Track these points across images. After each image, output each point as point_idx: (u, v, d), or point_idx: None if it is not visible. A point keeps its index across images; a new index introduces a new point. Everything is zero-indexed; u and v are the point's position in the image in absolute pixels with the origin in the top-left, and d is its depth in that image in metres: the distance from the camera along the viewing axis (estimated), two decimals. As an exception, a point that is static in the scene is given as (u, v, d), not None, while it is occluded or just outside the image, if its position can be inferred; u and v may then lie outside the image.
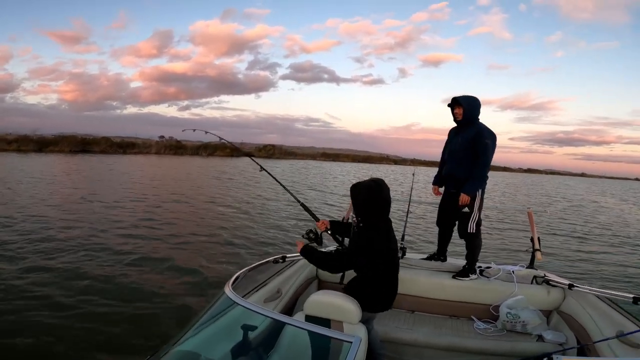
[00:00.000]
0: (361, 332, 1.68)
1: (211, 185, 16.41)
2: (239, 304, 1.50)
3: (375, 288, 2.01)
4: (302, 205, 2.61)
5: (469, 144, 2.78)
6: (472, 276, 2.81)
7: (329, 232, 2.32)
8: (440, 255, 3.14)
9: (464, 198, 2.75)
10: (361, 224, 1.97)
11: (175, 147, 40.31)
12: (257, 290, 2.30)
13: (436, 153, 3.39)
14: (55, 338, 3.33)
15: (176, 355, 1.55)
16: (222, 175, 21.58)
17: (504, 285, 2.72)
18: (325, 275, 2.97)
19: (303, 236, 2.31)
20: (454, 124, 2.98)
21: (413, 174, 4.90)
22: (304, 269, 2.84)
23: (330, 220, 2.36)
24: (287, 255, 2.62)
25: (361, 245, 1.95)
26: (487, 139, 2.76)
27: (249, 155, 3.89)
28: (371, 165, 51.27)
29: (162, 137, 42.88)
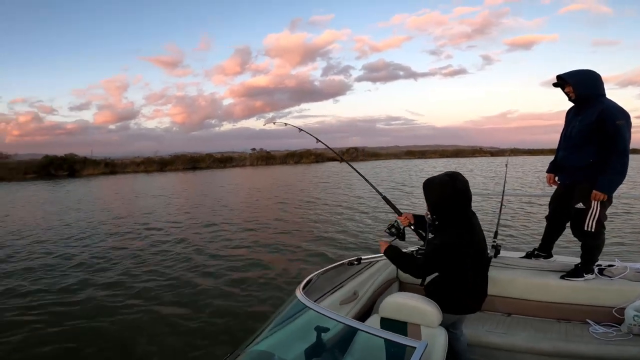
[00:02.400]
0: (440, 336, 1.57)
1: (316, 189, 17.41)
2: (310, 308, 1.52)
3: (459, 289, 1.85)
4: (384, 198, 2.53)
5: (590, 126, 2.35)
6: (588, 276, 2.42)
7: (412, 227, 2.21)
8: (543, 251, 2.76)
9: (597, 196, 2.32)
10: (436, 222, 1.84)
11: (266, 158, 43.70)
12: (333, 292, 2.30)
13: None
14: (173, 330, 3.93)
15: (251, 355, 1.61)
16: (317, 179, 22.64)
17: (632, 285, 2.34)
18: (406, 276, 2.85)
19: (385, 231, 2.23)
20: (561, 108, 2.65)
21: (506, 165, 4.44)
22: (382, 270, 2.76)
23: (413, 215, 2.24)
24: (363, 257, 2.57)
25: (437, 246, 1.81)
26: (618, 119, 2.27)
27: (338, 157, 4.00)
28: (463, 159, 47.46)
29: (253, 149, 46.97)
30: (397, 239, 2.21)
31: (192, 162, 38.30)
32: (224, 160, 41.33)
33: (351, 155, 47.80)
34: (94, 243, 7.82)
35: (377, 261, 2.74)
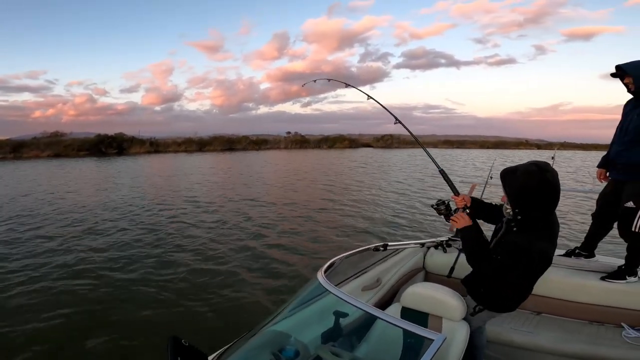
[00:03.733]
0: (462, 330, 1.54)
1: (356, 173, 17.49)
2: (330, 292, 1.49)
3: (512, 291, 1.68)
4: (442, 172, 2.22)
5: None
6: (630, 278, 2.29)
7: (468, 211, 1.85)
8: (585, 250, 2.62)
9: None
10: (519, 217, 1.59)
11: (300, 142, 44.08)
12: (356, 277, 2.30)
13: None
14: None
15: (268, 334, 1.62)
16: (354, 163, 22.77)
17: None
18: (433, 266, 2.80)
19: (432, 206, 1.97)
20: (621, 102, 2.46)
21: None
22: (409, 258, 2.73)
23: (473, 198, 1.91)
24: (389, 244, 2.51)
25: (520, 247, 1.55)
26: None
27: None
28: (505, 151, 44.96)
29: (288, 132, 47.40)
30: (443, 219, 1.98)
31: (229, 144, 39.53)
32: (259, 143, 42.22)
33: (386, 142, 46.84)
34: (156, 213, 8.50)
35: (404, 249, 2.70)
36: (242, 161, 26.03)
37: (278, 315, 1.69)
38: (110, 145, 30.90)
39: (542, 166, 1.55)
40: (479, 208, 1.88)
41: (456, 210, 1.88)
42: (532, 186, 1.53)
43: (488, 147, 51.27)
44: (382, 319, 1.34)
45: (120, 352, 3.24)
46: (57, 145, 28.51)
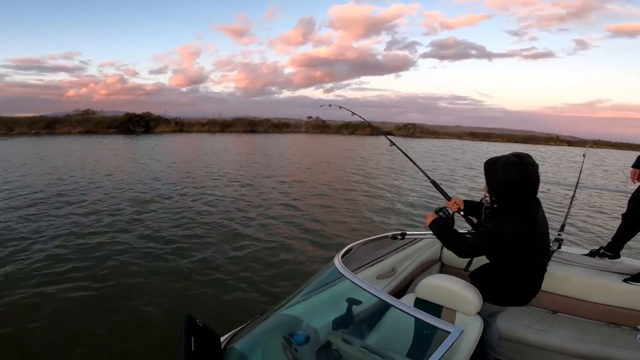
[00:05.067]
0: (475, 325, 1.53)
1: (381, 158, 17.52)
2: (346, 277, 1.50)
3: (509, 281, 1.74)
4: (433, 182, 2.42)
5: None
6: None
7: (462, 212, 2.09)
8: (611, 250, 2.56)
9: None
10: (495, 205, 1.69)
11: (321, 127, 43.87)
12: (371, 265, 2.30)
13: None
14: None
15: (280, 318, 1.63)
16: (377, 149, 22.49)
17: None
18: (450, 259, 2.78)
19: (435, 212, 2.11)
20: None
21: (583, 155, 3.99)
22: (425, 249, 2.72)
23: (464, 200, 2.12)
24: (408, 233, 2.50)
25: (491, 230, 1.67)
26: None
27: (387, 133, 3.94)
28: (534, 146, 43.25)
29: (309, 117, 47.13)
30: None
31: (251, 126, 39.85)
32: (281, 126, 42.29)
33: (408, 130, 45.89)
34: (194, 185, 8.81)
35: (422, 239, 2.68)
36: (264, 142, 26.36)
37: (292, 299, 1.70)
38: (137, 124, 31.87)
39: (524, 158, 1.61)
40: (469, 208, 2.07)
41: (453, 214, 2.07)
42: (510, 177, 1.60)
43: (516, 142, 49.38)
44: (398, 309, 1.33)
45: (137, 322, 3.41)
46: (88, 123, 29.70)
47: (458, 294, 1.60)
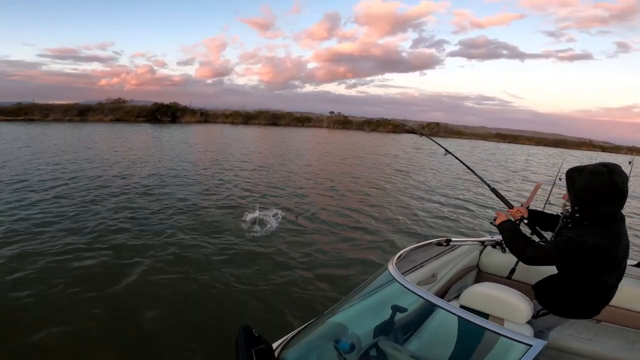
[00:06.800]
0: (525, 334, 1.51)
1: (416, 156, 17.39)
2: (400, 283, 1.46)
3: (581, 294, 1.67)
4: (493, 190, 2.34)
5: None
6: None
7: (526, 221, 1.99)
8: None
9: None
10: (577, 215, 1.61)
11: (342, 122, 43.69)
12: (412, 272, 2.26)
13: None
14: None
15: (327, 325, 1.63)
16: (404, 147, 22.36)
17: None
18: (487, 266, 2.74)
19: (491, 223, 2.06)
20: None
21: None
22: (464, 255, 2.67)
23: (529, 209, 2.01)
24: (452, 239, 2.45)
25: (572, 240, 1.56)
26: None
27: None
28: (566, 150, 41.52)
29: (332, 112, 47.02)
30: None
31: (273, 119, 40.17)
32: (302, 120, 42.41)
33: (432, 130, 45.00)
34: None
35: (462, 245, 2.64)
36: (287, 136, 26.57)
37: (341, 305, 1.69)
38: (165, 114, 32.87)
39: (612, 168, 1.54)
40: (535, 218, 1.95)
41: (517, 222, 1.94)
42: (597, 186, 1.53)
43: (546, 145, 47.52)
44: (473, 322, 1.25)
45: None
46: (118, 111, 30.86)
47: (508, 302, 1.55)
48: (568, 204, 1.68)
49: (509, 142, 46.91)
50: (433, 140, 3.12)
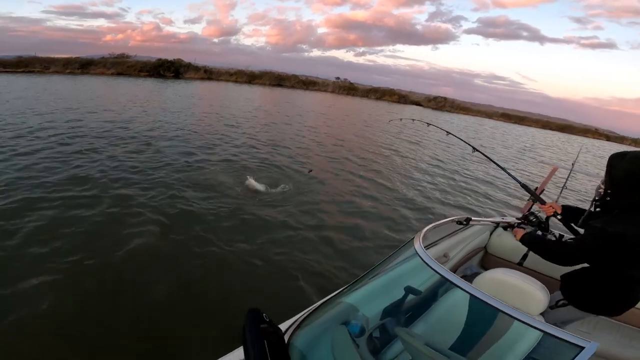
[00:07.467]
0: None
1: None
2: (425, 262, 1.40)
3: (611, 290, 1.63)
4: (524, 186, 2.21)
5: None
6: None
7: (559, 217, 1.86)
8: None
9: None
10: (608, 198, 1.57)
11: (348, 89, 42.67)
12: (426, 249, 2.22)
13: None
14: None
15: (339, 307, 1.57)
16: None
17: None
18: (497, 248, 2.69)
19: (522, 221, 1.97)
20: None
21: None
22: (475, 236, 2.62)
23: (562, 205, 1.91)
24: (473, 218, 2.33)
25: (600, 229, 1.51)
26: None
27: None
28: (571, 136, 41.17)
29: (337, 78, 45.84)
30: (538, 230, 1.95)
31: (278, 80, 39.05)
32: (307, 83, 41.26)
33: (438, 103, 44.10)
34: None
35: (477, 224, 2.53)
36: (292, 97, 25.95)
37: (353, 285, 1.63)
38: (168, 69, 31.91)
39: None
40: (570, 214, 1.86)
41: (547, 219, 1.87)
42: (634, 171, 1.49)
43: (551, 129, 46.89)
44: (522, 321, 1.13)
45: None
46: (121, 65, 29.81)
47: (526, 291, 1.44)
48: (602, 186, 1.63)
49: (515, 122, 46.22)
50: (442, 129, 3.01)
